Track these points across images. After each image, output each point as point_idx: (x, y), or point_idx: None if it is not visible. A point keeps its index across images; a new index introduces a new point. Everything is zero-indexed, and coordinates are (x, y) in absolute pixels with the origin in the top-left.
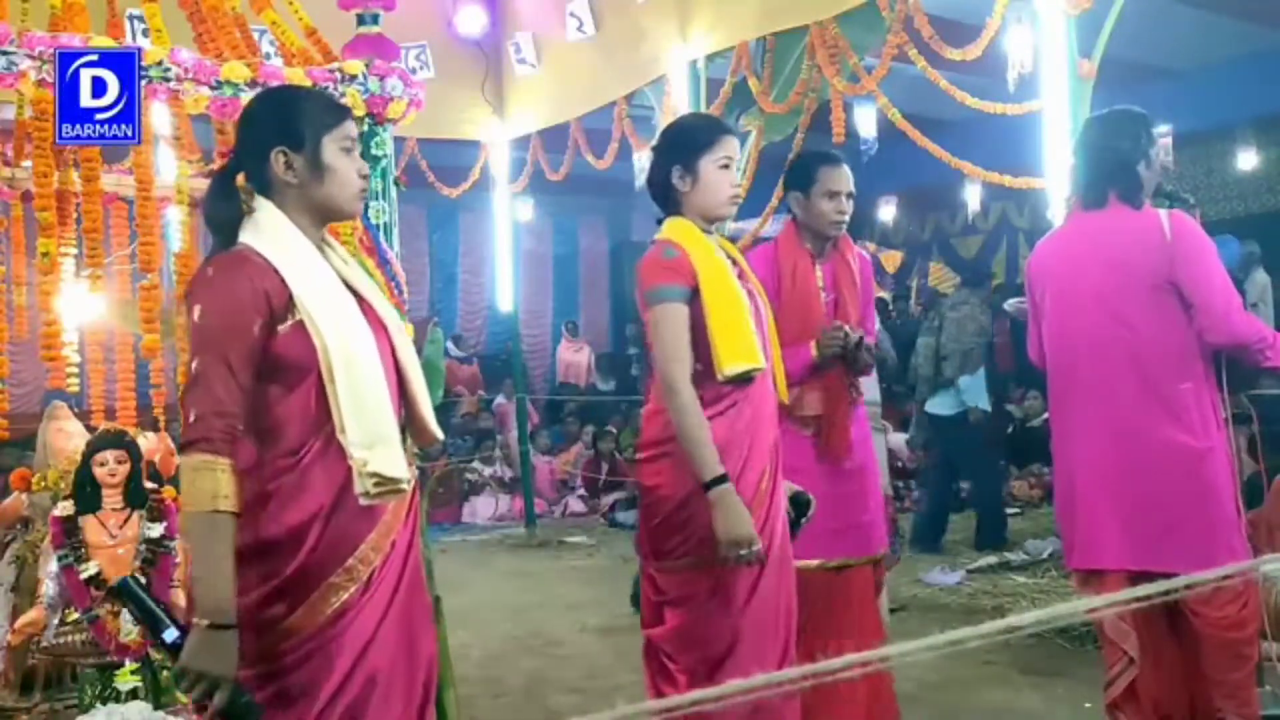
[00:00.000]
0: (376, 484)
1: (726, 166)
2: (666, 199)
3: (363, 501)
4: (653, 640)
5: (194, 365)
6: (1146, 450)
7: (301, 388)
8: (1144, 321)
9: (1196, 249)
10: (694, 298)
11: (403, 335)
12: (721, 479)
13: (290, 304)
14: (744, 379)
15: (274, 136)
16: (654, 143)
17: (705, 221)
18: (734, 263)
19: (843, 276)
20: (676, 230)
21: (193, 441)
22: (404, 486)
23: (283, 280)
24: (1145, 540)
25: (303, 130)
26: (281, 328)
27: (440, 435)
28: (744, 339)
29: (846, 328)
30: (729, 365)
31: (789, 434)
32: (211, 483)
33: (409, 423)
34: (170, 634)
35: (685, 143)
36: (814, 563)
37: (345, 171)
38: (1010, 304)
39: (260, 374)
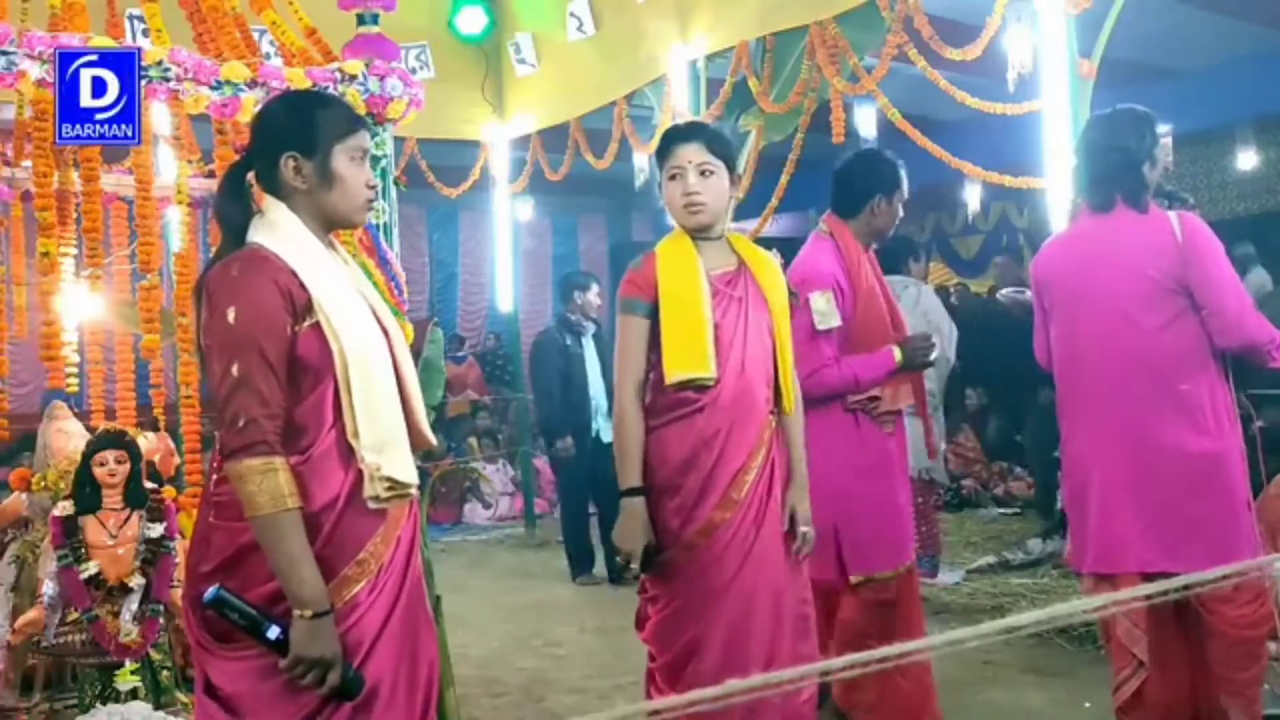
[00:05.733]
0: (388, 488)
1: (674, 177)
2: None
3: (371, 505)
4: (644, 641)
5: (234, 368)
6: (1164, 453)
7: (316, 390)
8: (1155, 324)
9: (1208, 251)
10: (657, 308)
11: (400, 338)
12: (634, 491)
13: (309, 305)
14: (694, 386)
15: (287, 141)
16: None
17: (688, 230)
18: (741, 265)
19: (879, 273)
20: (665, 240)
21: (248, 445)
22: (413, 491)
23: (300, 281)
24: (1168, 542)
25: (315, 137)
26: (299, 328)
27: (434, 441)
28: (690, 349)
29: (932, 339)
30: (671, 374)
31: (868, 437)
32: (276, 483)
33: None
34: (273, 631)
35: (657, 157)
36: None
37: (354, 181)
38: (1003, 294)
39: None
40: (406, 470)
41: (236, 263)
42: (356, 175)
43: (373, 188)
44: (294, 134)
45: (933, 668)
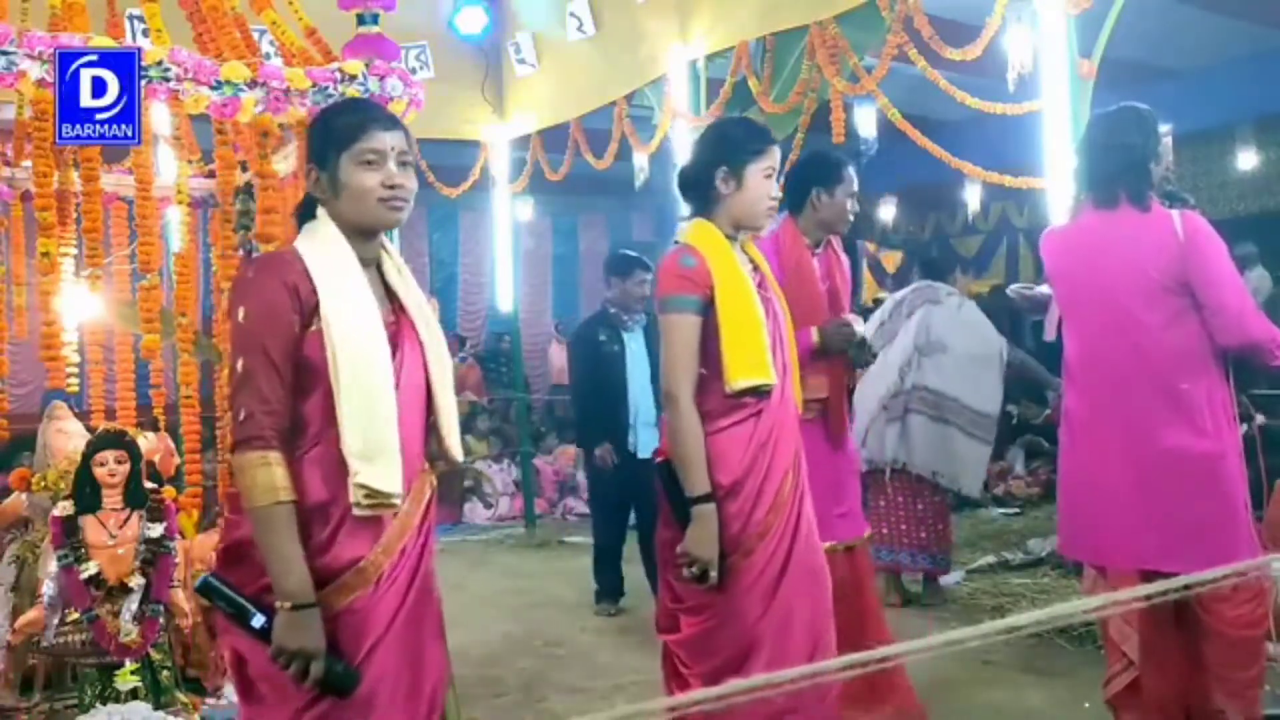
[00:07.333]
0: (366, 496)
1: (770, 176)
2: (701, 198)
3: (355, 512)
4: (670, 646)
5: (239, 365)
6: (1163, 453)
7: (317, 391)
8: (1156, 323)
9: (1210, 250)
10: (709, 307)
11: (440, 353)
12: (705, 498)
13: (317, 308)
14: (757, 392)
15: (311, 153)
16: (700, 135)
17: (734, 228)
18: (755, 268)
19: (835, 269)
20: (699, 235)
21: (245, 440)
22: (395, 502)
23: (313, 285)
24: (1166, 541)
25: (325, 148)
26: (309, 330)
27: (460, 458)
28: (754, 354)
29: (855, 325)
30: (736, 380)
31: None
32: (269, 477)
33: (433, 441)
34: (257, 620)
35: (735, 146)
36: (828, 545)
37: (360, 187)
38: (1013, 289)
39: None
40: (388, 480)
41: (254, 264)
42: (365, 179)
43: (391, 187)
44: (314, 146)
45: (926, 665)
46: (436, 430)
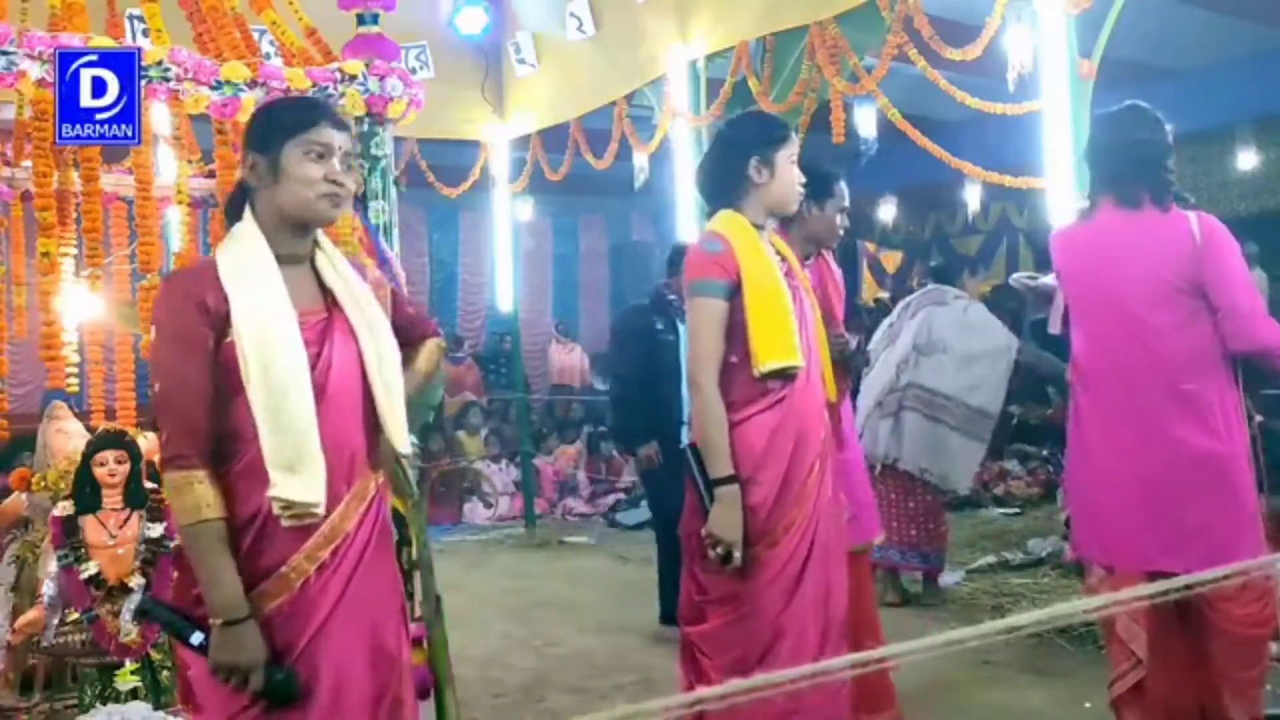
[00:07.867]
0: (283, 507)
1: (794, 162)
2: (726, 191)
3: (284, 522)
4: (691, 638)
5: (156, 386)
6: (1173, 453)
7: (237, 401)
8: (1168, 324)
9: (1225, 251)
10: (736, 292)
11: (380, 343)
12: (729, 479)
13: (229, 317)
14: (784, 375)
15: (249, 141)
16: (721, 132)
17: (768, 215)
18: (782, 259)
19: (827, 280)
20: (725, 223)
21: (168, 460)
22: (316, 512)
23: (225, 294)
24: (1173, 540)
25: (268, 135)
26: (225, 340)
27: (407, 450)
28: (782, 336)
29: (846, 336)
30: (765, 362)
31: None
32: (192, 496)
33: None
34: (196, 637)
35: (763, 135)
36: None
37: (302, 176)
38: (1015, 279)
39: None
40: (307, 491)
41: (164, 281)
42: (306, 170)
43: (333, 181)
44: (253, 134)
45: (926, 665)
46: (382, 423)
